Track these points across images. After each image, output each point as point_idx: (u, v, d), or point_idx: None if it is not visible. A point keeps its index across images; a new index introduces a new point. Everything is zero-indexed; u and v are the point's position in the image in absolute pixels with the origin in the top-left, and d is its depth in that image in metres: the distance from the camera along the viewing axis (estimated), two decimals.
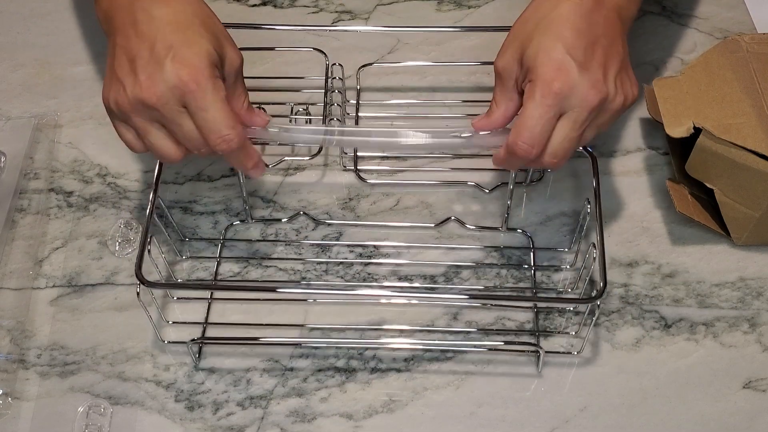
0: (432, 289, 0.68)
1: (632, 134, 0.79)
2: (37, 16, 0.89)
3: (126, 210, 0.74)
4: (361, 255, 0.71)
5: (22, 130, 0.79)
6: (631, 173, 0.77)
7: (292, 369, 0.65)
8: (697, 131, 0.67)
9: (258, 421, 0.63)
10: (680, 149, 0.74)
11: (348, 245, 0.71)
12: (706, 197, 0.72)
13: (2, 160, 0.76)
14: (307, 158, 0.76)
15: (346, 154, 0.76)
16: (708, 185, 0.69)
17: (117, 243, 0.72)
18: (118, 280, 0.70)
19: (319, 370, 0.65)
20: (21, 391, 0.64)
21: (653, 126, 0.79)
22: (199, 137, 0.59)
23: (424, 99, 0.82)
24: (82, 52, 0.86)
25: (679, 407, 0.63)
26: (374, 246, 0.71)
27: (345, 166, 0.76)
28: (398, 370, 0.65)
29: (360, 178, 0.75)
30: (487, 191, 0.74)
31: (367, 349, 0.66)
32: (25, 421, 0.62)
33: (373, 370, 0.65)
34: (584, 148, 0.64)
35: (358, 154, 0.76)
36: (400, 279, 0.70)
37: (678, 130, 0.68)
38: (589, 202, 0.64)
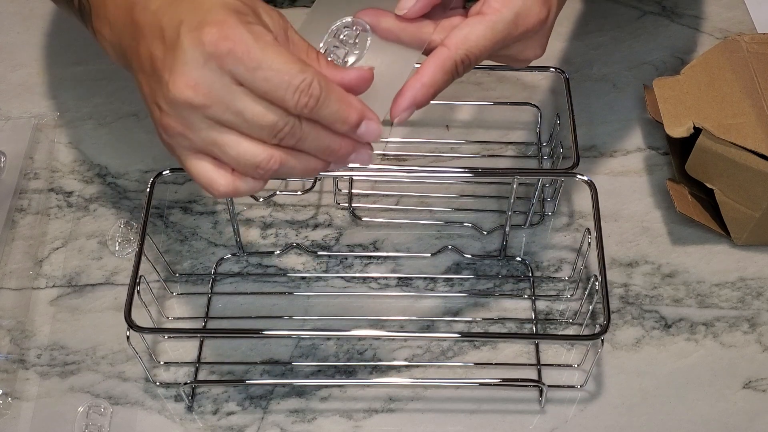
0: (431, 323, 0.68)
1: (632, 134, 0.79)
2: (37, 16, 0.89)
3: (126, 210, 0.74)
4: (355, 280, 0.71)
5: (22, 130, 0.79)
6: (631, 173, 0.77)
7: (292, 369, 0.65)
8: (697, 131, 0.67)
9: (258, 421, 0.63)
10: (680, 149, 0.74)
11: (342, 277, 0.70)
12: (706, 197, 0.72)
13: (2, 160, 0.76)
14: (299, 192, 0.75)
15: (340, 191, 0.74)
16: (708, 185, 0.69)
17: (117, 243, 0.72)
18: (118, 280, 0.70)
19: (319, 370, 0.65)
20: (21, 391, 0.64)
21: (653, 126, 0.79)
22: (273, 118, 0.45)
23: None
24: (82, 52, 0.86)
25: (679, 407, 0.63)
26: (369, 277, 0.70)
27: (339, 204, 0.74)
28: (398, 370, 0.65)
29: (354, 215, 0.74)
30: (485, 233, 0.73)
31: (366, 350, 0.66)
32: (25, 421, 0.62)
33: (373, 370, 0.65)
34: (584, 179, 0.64)
35: (353, 191, 0.75)
36: (397, 295, 0.70)
37: (678, 130, 0.68)
38: (589, 232, 0.64)
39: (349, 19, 0.52)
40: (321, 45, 0.52)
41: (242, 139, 0.46)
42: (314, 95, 0.45)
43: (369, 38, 0.52)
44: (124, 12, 0.50)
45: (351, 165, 0.74)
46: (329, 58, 0.51)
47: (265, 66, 0.44)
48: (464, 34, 0.52)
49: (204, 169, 0.48)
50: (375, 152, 0.77)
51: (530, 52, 0.56)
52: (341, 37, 0.52)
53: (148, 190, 0.63)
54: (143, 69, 0.48)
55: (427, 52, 0.53)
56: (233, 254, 0.71)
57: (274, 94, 0.44)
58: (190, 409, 0.63)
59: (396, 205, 0.75)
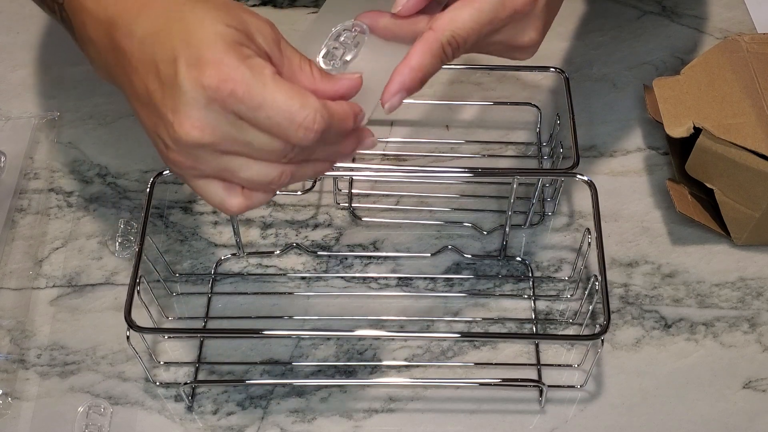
0: (431, 323, 0.68)
1: (632, 134, 0.79)
2: (37, 16, 0.89)
3: (126, 210, 0.74)
4: (355, 280, 0.70)
5: (22, 130, 0.79)
6: (632, 173, 0.77)
7: (292, 369, 0.65)
8: (697, 131, 0.67)
9: (258, 421, 0.63)
10: (680, 149, 0.74)
11: (342, 277, 0.70)
12: (706, 197, 0.72)
13: (2, 160, 0.76)
14: (299, 192, 0.75)
15: (340, 191, 0.74)
16: (708, 185, 0.69)
17: (117, 243, 0.72)
18: (118, 280, 0.70)
19: (319, 370, 0.65)
20: (21, 391, 0.64)
21: (653, 126, 0.79)
22: (281, 145, 0.45)
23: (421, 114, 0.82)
24: (81, 52, 0.85)
25: (679, 407, 0.63)
26: (369, 277, 0.70)
27: (339, 204, 0.74)
28: (398, 370, 0.65)
29: (354, 215, 0.73)
30: (485, 233, 0.72)
31: (366, 350, 0.66)
32: (24, 421, 0.62)
33: (373, 370, 0.65)
34: (584, 179, 0.64)
35: (353, 191, 0.74)
36: (397, 291, 0.70)
37: (678, 130, 0.68)
38: (589, 232, 0.64)
39: (349, 22, 0.53)
40: (323, 47, 0.53)
41: (252, 162, 0.46)
42: (318, 130, 0.45)
43: (365, 37, 0.53)
44: (105, 34, 0.48)
45: (352, 165, 0.75)
46: (330, 59, 0.52)
47: (266, 105, 0.44)
48: (450, 16, 0.51)
49: (215, 192, 0.48)
50: (375, 152, 0.78)
51: (525, 37, 0.55)
52: (341, 39, 0.53)
53: (148, 190, 0.63)
54: (139, 99, 0.47)
55: None
56: (233, 254, 0.71)
57: (278, 131, 0.45)
58: (190, 409, 0.63)
59: (396, 205, 0.75)
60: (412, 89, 0.51)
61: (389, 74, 0.52)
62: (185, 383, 0.63)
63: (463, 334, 0.65)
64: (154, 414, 0.63)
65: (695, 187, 0.72)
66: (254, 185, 0.48)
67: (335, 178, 0.73)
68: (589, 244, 0.64)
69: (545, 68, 0.73)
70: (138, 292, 0.59)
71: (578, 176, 0.64)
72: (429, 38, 0.51)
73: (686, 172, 0.71)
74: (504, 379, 0.64)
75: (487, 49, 0.56)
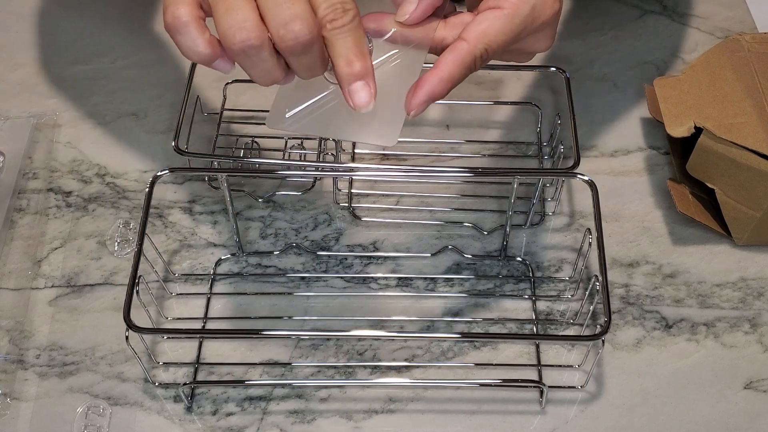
0: (431, 324, 0.67)
1: (633, 134, 0.79)
2: (37, 15, 0.89)
3: (125, 210, 0.74)
4: (355, 280, 0.70)
5: (21, 130, 0.78)
6: (632, 173, 0.77)
7: (291, 369, 0.65)
8: (698, 131, 0.67)
9: (257, 422, 0.63)
10: (681, 149, 0.74)
11: (342, 277, 0.70)
12: (707, 197, 0.72)
13: (1, 159, 0.76)
14: (300, 192, 0.75)
15: (340, 190, 0.74)
16: (709, 185, 0.69)
17: (116, 243, 0.72)
18: (117, 281, 0.70)
19: (319, 371, 0.65)
20: (20, 391, 0.64)
21: (654, 125, 0.79)
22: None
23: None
24: (81, 52, 0.86)
25: (679, 408, 0.63)
26: (369, 277, 0.70)
27: (339, 203, 0.74)
28: (398, 370, 0.65)
29: (354, 215, 0.73)
30: (486, 233, 0.72)
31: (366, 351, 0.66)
32: (23, 421, 0.62)
33: (373, 371, 0.65)
34: (585, 179, 0.64)
35: (353, 191, 0.74)
36: (398, 288, 0.70)
37: (679, 129, 0.67)
38: (590, 232, 0.64)
39: None
40: None
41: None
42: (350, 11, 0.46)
43: (371, 46, 0.52)
44: None
45: (351, 165, 0.74)
46: (328, 68, 0.51)
47: None
48: (483, 28, 0.51)
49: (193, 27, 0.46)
50: (375, 152, 0.77)
51: (541, 44, 0.56)
52: None
53: (147, 189, 0.63)
54: None
55: (438, 50, 0.53)
56: (233, 254, 0.71)
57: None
58: (189, 409, 0.63)
59: (396, 205, 0.75)
60: (438, 98, 0.52)
61: (402, 81, 0.51)
62: (184, 384, 0.62)
63: (464, 335, 0.65)
64: (153, 415, 0.63)
65: (696, 186, 0.72)
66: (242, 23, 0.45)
67: (335, 178, 0.73)
68: (590, 244, 0.64)
69: (546, 67, 0.73)
70: (137, 292, 0.59)
71: (579, 176, 0.64)
72: (462, 50, 0.51)
73: (687, 172, 0.71)
74: (504, 380, 0.64)
75: (504, 56, 0.56)
